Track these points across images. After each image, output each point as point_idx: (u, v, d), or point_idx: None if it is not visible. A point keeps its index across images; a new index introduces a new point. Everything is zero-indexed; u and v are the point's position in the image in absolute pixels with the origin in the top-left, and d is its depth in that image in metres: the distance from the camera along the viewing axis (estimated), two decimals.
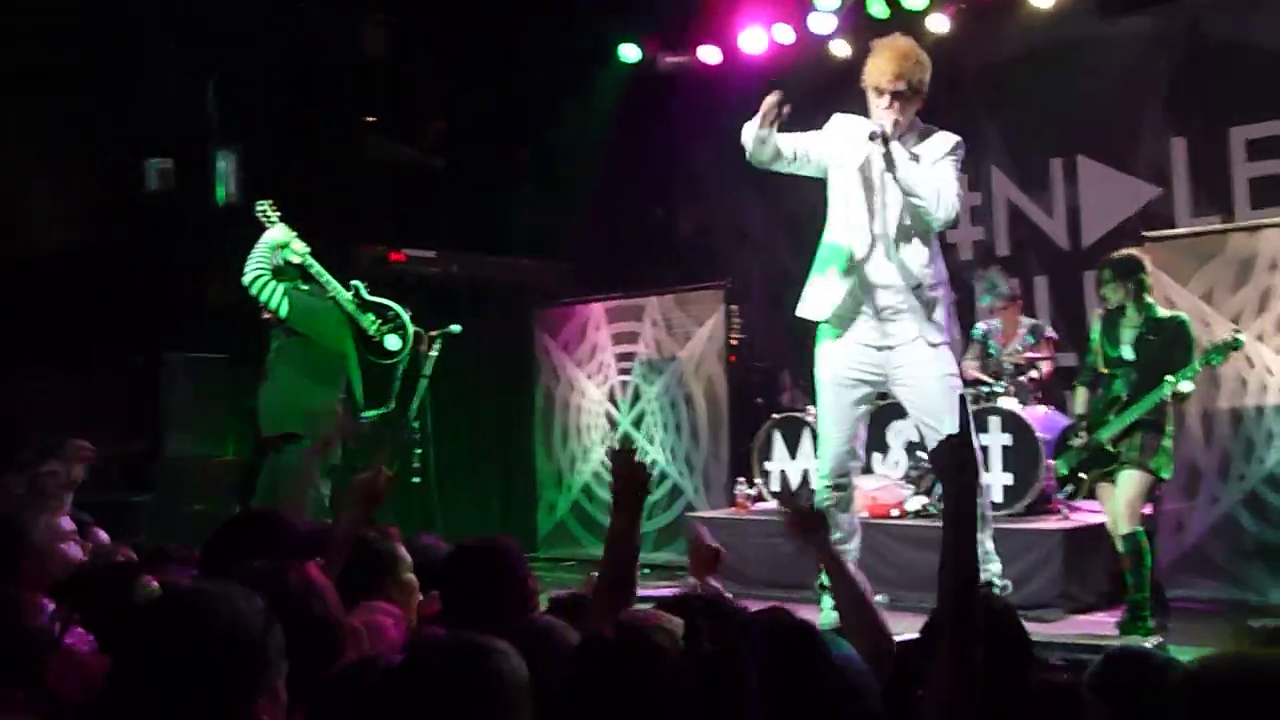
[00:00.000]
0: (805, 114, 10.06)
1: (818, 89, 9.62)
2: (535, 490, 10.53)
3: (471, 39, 9.89)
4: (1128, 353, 6.17)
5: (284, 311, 6.70)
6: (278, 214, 6.84)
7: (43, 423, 7.85)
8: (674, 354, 9.75)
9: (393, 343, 7.04)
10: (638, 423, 9.91)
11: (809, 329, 6.03)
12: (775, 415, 8.88)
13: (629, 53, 10.15)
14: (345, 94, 9.46)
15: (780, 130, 5.62)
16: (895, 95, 5.48)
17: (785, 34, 9.56)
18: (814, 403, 8.40)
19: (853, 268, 5.67)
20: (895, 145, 5.45)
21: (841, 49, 9.36)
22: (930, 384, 5.52)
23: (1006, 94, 9.24)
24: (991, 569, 5.61)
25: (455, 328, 7.71)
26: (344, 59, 9.37)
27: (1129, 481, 6.05)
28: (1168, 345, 6.05)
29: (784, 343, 9.17)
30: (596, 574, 3.46)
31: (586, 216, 10.69)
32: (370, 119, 9.79)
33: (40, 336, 7.96)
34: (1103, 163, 8.80)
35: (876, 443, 7.75)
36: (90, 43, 8.11)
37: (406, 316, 7.10)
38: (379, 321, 7.02)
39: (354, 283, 7.03)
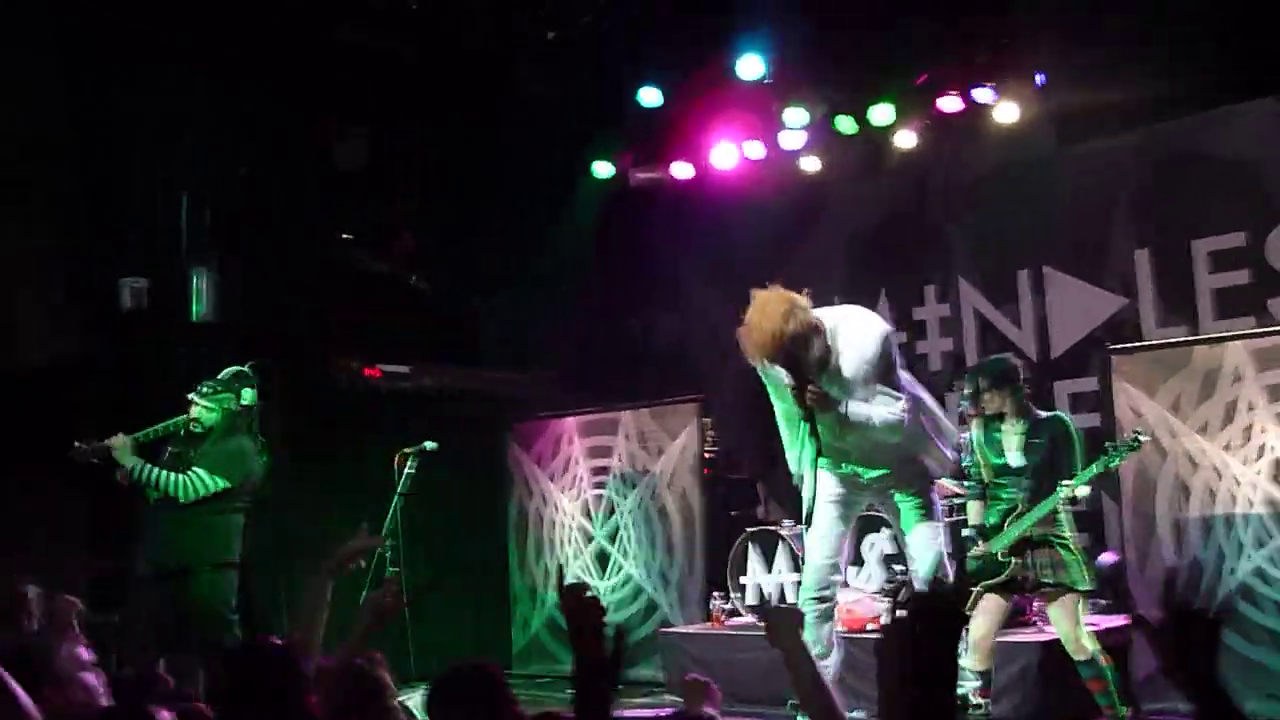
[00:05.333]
0: (776, 225, 10.19)
1: (788, 203, 9.82)
2: (509, 606, 10.42)
3: (445, 153, 10.01)
4: (1016, 459, 6.11)
5: None
6: None
7: (14, 536, 7.78)
8: (648, 467, 9.71)
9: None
10: (612, 537, 9.86)
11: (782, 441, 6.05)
12: (750, 528, 8.88)
13: (602, 169, 10.28)
14: (318, 209, 9.53)
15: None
16: (784, 364, 5.41)
17: (755, 150, 9.70)
18: (789, 515, 8.41)
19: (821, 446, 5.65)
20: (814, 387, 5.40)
21: (811, 164, 9.52)
22: (907, 517, 5.64)
23: (973, 207, 9.37)
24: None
25: (430, 445, 7.67)
26: (317, 173, 9.46)
27: (1061, 611, 6.00)
28: (1053, 448, 6.02)
29: (758, 455, 9.18)
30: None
31: (560, 329, 10.76)
32: (345, 235, 9.86)
33: (13, 450, 7.90)
34: (1069, 274, 8.86)
35: (852, 555, 7.73)
36: (70, 157, 8.17)
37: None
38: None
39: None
